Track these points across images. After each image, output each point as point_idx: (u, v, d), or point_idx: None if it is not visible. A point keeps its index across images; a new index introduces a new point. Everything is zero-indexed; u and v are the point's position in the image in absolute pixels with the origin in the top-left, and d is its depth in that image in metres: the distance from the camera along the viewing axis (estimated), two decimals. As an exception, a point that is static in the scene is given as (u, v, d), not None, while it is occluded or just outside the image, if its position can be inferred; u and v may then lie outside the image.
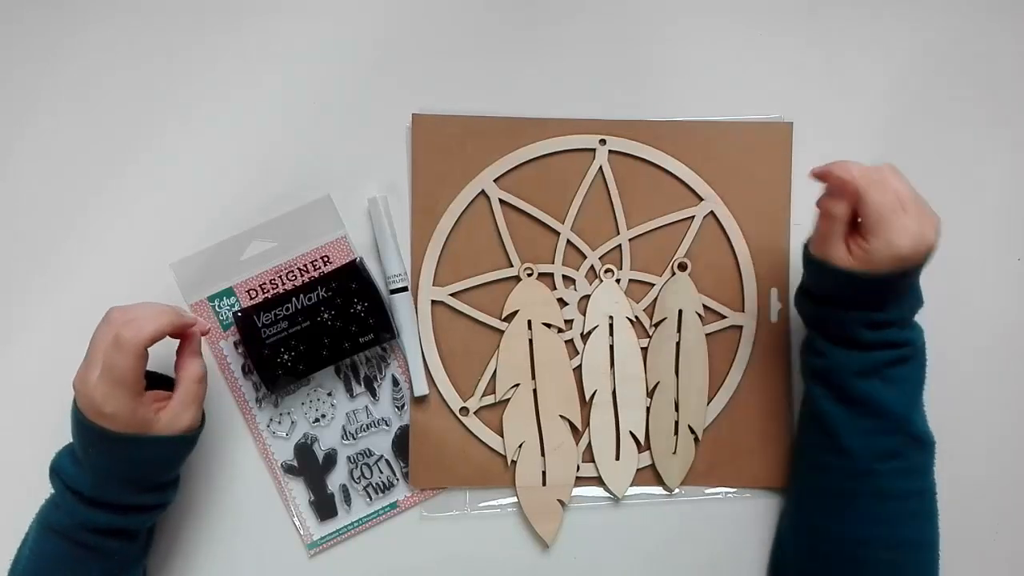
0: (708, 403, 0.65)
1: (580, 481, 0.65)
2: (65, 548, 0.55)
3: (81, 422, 0.54)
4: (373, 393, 0.66)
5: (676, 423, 0.65)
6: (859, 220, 0.55)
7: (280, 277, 0.65)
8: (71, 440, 0.56)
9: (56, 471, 0.56)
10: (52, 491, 0.57)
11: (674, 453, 0.65)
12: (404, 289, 0.64)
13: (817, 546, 0.60)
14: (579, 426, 0.65)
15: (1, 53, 0.66)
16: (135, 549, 0.58)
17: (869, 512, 0.57)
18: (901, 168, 0.66)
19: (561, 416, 0.65)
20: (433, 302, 0.65)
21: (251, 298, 0.65)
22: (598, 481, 0.65)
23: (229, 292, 0.65)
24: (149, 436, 0.55)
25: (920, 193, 0.55)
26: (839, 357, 0.58)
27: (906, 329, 0.57)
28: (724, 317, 0.66)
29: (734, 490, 0.66)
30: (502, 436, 0.65)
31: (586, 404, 0.65)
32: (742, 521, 0.66)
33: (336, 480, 0.65)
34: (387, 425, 0.66)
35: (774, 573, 0.64)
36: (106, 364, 0.53)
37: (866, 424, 0.57)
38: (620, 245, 0.66)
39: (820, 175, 0.56)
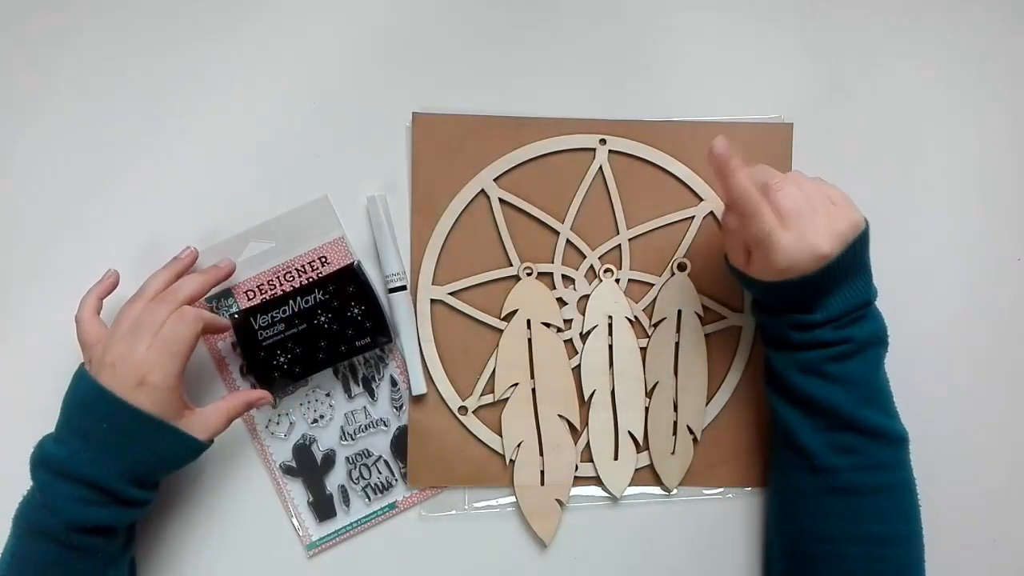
0: (707, 403, 0.65)
1: (578, 481, 0.65)
2: (51, 550, 0.54)
3: (105, 399, 0.54)
4: (371, 394, 0.65)
5: (675, 423, 0.65)
6: None
7: (278, 278, 0.65)
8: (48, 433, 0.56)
9: (44, 461, 0.54)
10: (30, 491, 0.56)
11: (672, 453, 0.65)
12: (403, 288, 0.64)
13: (790, 545, 0.60)
14: (578, 426, 0.65)
15: (0, 52, 0.66)
16: (118, 545, 0.57)
17: (832, 508, 0.56)
18: (903, 169, 0.67)
19: (560, 416, 0.65)
20: (432, 301, 0.65)
21: (249, 299, 0.65)
22: (596, 481, 0.65)
23: (227, 293, 0.65)
24: (175, 426, 0.56)
25: (840, 190, 0.56)
26: (776, 358, 0.59)
27: (845, 327, 0.56)
28: (724, 317, 0.66)
29: (732, 490, 0.66)
30: (501, 435, 0.65)
31: (585, 404, 0.65)
32: (740, 521, 0.66)
33: (335, 481, 0.65)
34: (385, 426, 0.65)
35: (766, 573, 0.65)
36: (164, 335, 0.55)
37: (816, 422, 0.57)
38: (620, 245, 0.66)
39: (715, 165, 0.54)
